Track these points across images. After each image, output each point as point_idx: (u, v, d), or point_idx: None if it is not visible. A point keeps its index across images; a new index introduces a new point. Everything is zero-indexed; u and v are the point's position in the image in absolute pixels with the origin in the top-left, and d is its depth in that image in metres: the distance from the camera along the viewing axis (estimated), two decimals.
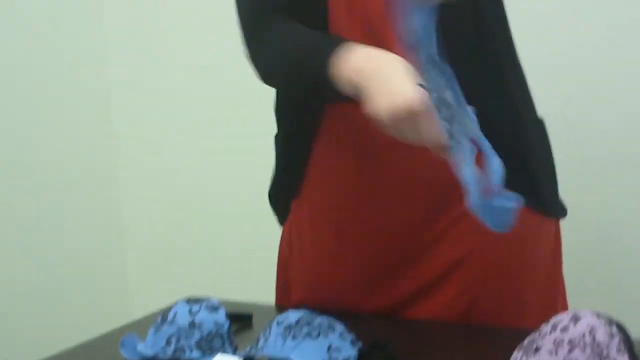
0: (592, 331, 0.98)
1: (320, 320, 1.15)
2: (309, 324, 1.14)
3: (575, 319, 1.00)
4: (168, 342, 1.16)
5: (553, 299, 1.37)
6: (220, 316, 1.18)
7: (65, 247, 2.53)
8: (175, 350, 1.16)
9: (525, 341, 1.03)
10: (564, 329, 1.00)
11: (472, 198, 1.05)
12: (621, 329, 1.00)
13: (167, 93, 2.57)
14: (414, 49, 1.05)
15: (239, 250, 2.51)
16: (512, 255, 1.32)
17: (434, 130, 1.06)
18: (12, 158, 2.39)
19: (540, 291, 1.35)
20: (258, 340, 1.15)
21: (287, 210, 1.42)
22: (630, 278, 2.03)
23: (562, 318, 1.02)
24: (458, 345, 1.26)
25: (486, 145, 1.07)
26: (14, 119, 2.40)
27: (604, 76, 2.02)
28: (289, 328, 1.14)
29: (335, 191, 1.34)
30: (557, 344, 0.99)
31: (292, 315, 1.15)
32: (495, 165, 1.06)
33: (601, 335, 0.98)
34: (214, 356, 1.15)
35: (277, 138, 1.44)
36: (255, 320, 1.33)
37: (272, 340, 1.13)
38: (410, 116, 1.07)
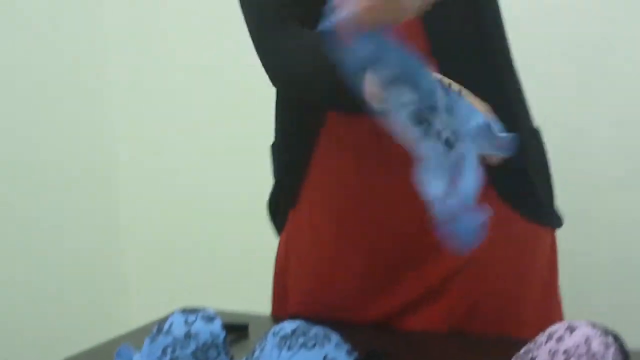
0: (587, 341, 0.98)
1: (316, 330, 1.15)
2: (304, 334, 1.14)
3: (571, 329, 1.01)
4: (164, 353, 1.16)
5: (549, 309, 1.36)
6: (216, 327, 1.18)
7: (65, 247, 2.53)
8: None
9: (521, 351, 1.03)
10: (560, 339, 1.00)
11: (435, 214, 1.02)
12: (617, 339, 1.00)
13: (167, 93, 2.57)
14: (360, 75, 1.04)
15: (239, 251, 2.52)
16: (509, 265, 1.32)
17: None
18: (12, 158, 2.39)
19: (537, 301, 1.35)
20: (254, 351, 1.15)
21: (285, 220, 1.42)
22: (626, 288, 2.03)
23: (558, 328, 1.02)
24: (454, 356, 1.26)
25: (472, 159, 1.03)
26: (14, 119, 2.40)
27: (601, 86, 2.03)
28: (284, 338, 1.14)
29: (336, 191, 1.34)
30: (553, 354, 0.99)
31: (288, 326, 1.15)
32: (470, 181, 1.02)
33: (597, 345, 0.98)
34: None
35: (275, 146, 1.44)
36: (251, 330, 1.33)
37: (267, 351, 1.13)
38: None
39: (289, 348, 1.12)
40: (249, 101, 2.16)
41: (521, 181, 1.30)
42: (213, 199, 2.54)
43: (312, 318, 1.19)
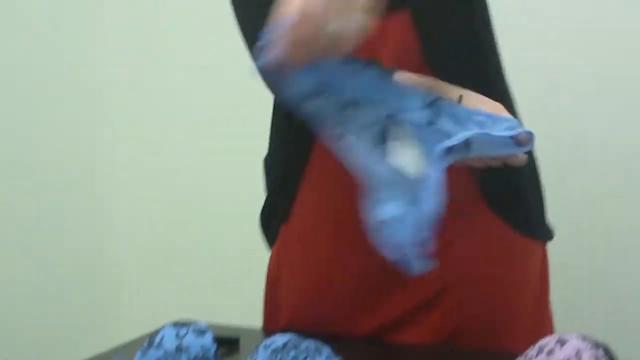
0: (578, 354, 0.98)
1: (307, 344, 1.15)
2: (295, 347, 1.14)
3: (562, 342, 1.01)
4: None
5: (540, 322, 1.36)
6: (207, 340, 1.18)
7: (65, 247, 2.54)
8: None
9: None
10: (550, 352, 1.00)
11: (383, 238, 1.02)
12: (607, 352, 1.01)
13: (166, 93, 2.57)
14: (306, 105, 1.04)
15: (239, 251, 2.52)
16: (501, 279, 1.32)
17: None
18: (12, 158, 2.39)
19: (528, 314, 1.35)
20: None
21: (277, 233, 1.42)
22: (617, 301, 2.03)
23: (549, 341, 1.03)
24: None
25: (436, 183, 1.02)
26: (14, 119, 2.40)
27: (594, 96, 2.04)
28: (275, 352, 1.14)
29: (334, 192, 1.34)
30: None
31: (279, 339, 1.16)
32: (428, 206, 1.01)
33: (587, 358, 0.98)
34: None
35: (268, 160, 1.44)
36: (242, 344, 1.33)
37: None
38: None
39: None
40: (249, 101, 2.15)
41: (512, 194, 1.30)
42: (213, 199, 2.54)
43: (304, 331, 1.20)
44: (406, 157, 1.02)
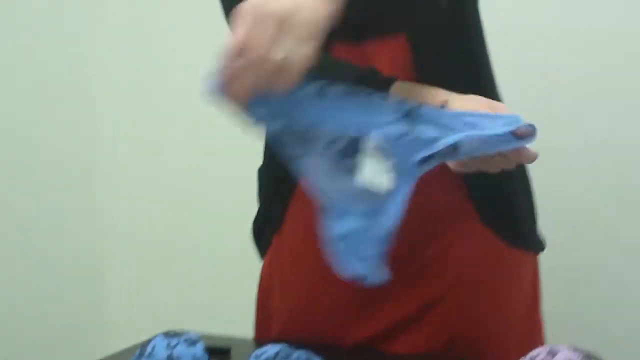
0: None
1: (298, 354, 1.15)
2: (286, 357, 1.15)
3: (552, 353, 1.01)
4: None
5: (531, 333, 1.36)
6: (199, 350, 1.18)
7: (65, 247, 2.54)
8: None
9: None
10: None
11: (337, 250, 1.02)
12: None
13: (166, 93, 2.57)
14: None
15: (239, 251, 2.51)
16: (492, 290, 1.32)
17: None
18: (12, 158, 2.40)
19: (520, 325, 1.34)
20: None
21: (269, 243, 1.42)
22: (608, 312, 2.03)
23: (539, 352, 1.03)
24: None
25: (401, 197, 1.01)
26: (14, 119, 2.41)
27: (592, 100, 2.03)
28: None
29: None
30: None
31: (270, 350, 1.16)
32: (389, 220, 1.01)
33: None
34: None
35: (262, 170, 1.44)
36: (233, 354, 1.33)
37: None
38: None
39: None
40: None
41: (504, 206, 1.29)
42: (212, 199, 2.54)
43: (296, 341, 1.20)
44: (372, 172, 1.02)
